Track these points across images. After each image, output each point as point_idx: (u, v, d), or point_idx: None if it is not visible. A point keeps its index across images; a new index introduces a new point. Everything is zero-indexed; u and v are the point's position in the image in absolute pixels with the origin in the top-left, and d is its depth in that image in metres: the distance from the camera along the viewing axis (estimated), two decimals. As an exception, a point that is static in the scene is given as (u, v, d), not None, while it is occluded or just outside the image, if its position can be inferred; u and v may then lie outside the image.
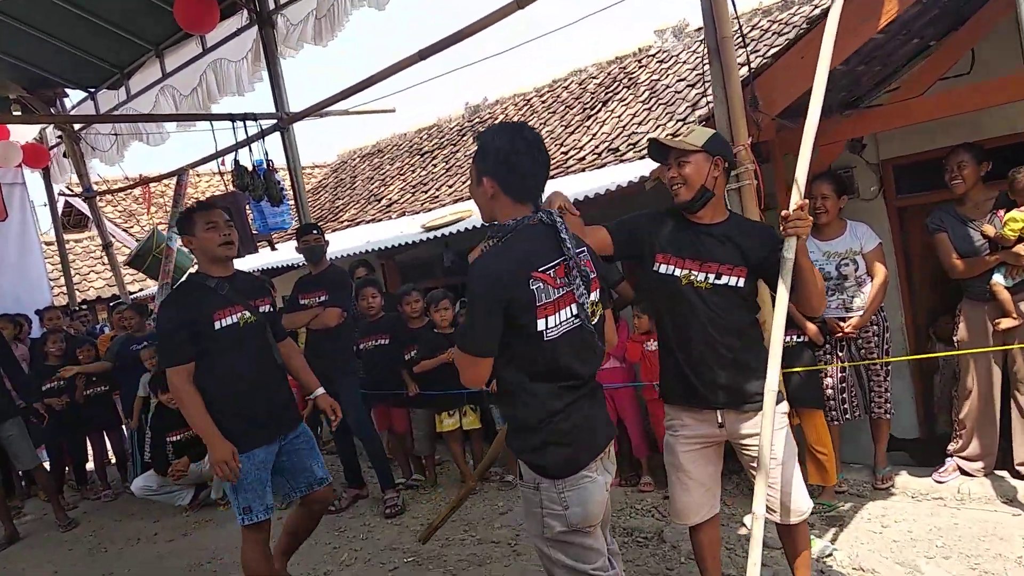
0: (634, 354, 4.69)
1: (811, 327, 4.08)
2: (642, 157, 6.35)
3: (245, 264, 7.94)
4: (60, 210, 10.49)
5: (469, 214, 6.59)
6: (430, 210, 8.57)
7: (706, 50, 3.99)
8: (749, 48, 3.82)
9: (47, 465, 6.49)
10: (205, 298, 3.25)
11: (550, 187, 2.33)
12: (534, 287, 2.07)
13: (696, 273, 2.61)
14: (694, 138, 2.61)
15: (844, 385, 4.26)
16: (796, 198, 2.54)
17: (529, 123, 9.50)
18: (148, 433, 5.90)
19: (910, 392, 5.41)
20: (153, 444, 5.74)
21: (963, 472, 4.03)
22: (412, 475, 5.62)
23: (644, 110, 7.65)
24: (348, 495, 5.26)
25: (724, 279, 2.59)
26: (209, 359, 3.20)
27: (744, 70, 4.19)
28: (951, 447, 4.12)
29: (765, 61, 4.40)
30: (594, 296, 2.22)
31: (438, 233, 6.33)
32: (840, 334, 4.16)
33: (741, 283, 2.59)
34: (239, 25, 6.07)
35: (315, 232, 5.13)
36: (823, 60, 2.65)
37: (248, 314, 3.30)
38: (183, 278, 3.47)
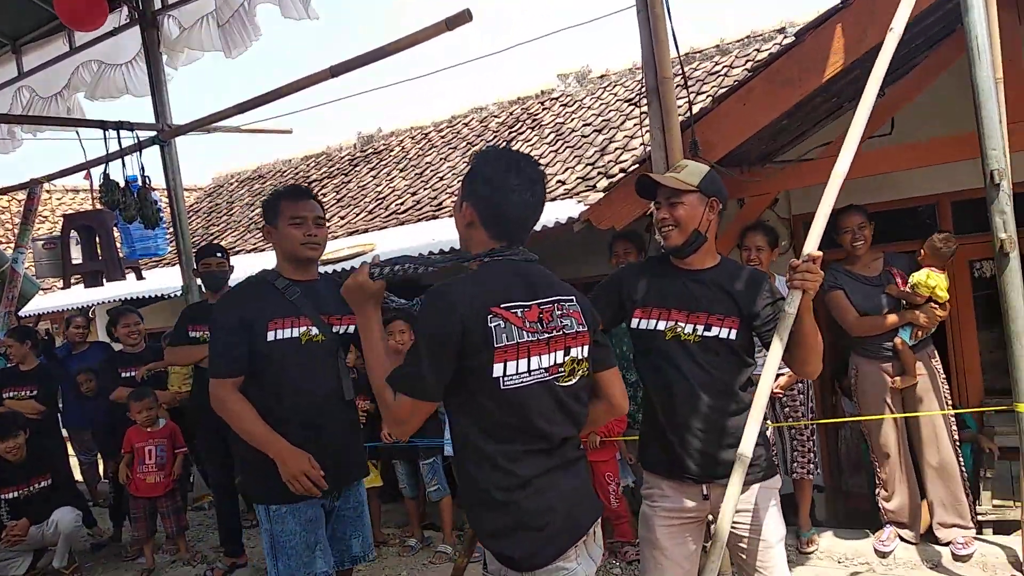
0: None
1: None
2: (554, 199, 6.16)
3: (107, 293, 7.05)
4: None
5: (371, 247, 6.09)
6: (320, 242, 8.02)
7: (645, 90, 3.83)
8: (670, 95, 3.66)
9: None
10: (267, 299, 2.67)
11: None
12: (492, 324, 1.79)
13: (683, 325, 2.33)
14: (687, 175, 2.35)
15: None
16: (810, 247, 2.32)
17: (427, 156, 9.28)
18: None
19: (816, 447, 5.41)
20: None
21: (901, 539, 3.96)
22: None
23: (550, 151, 7.52)
24: (224, 564, 4.58)
25: (715, 330, 2.30)
26: (256, 376, 2.62)
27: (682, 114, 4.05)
28: (885, 515, 4.04)
29: (705, 105, 4.29)
30: (576, 352, 1.92)
31: (338, 267, 5.81)
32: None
33: (733, 335, 2.31)
34: (116, 23, 5.38)
35: (219, 255, 4.49)
36: (869, 93, 2.48)
37: (315, 331, 2.70)
38: (256, 272, 2.83)
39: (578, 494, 1.92)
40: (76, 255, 5.74)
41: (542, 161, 7.30)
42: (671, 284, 2.39)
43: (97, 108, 5.81)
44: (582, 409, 1.96)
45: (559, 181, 6.53)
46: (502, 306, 1.81)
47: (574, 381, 1.91)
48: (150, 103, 5.36)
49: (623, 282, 2.48)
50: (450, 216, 7.18)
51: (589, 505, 1.96)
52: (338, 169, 10.60)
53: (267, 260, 7.58)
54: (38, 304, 8.25)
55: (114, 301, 7.08)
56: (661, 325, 2.35)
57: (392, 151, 10.17)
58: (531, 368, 1.82)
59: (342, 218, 8.77)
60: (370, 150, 10.63)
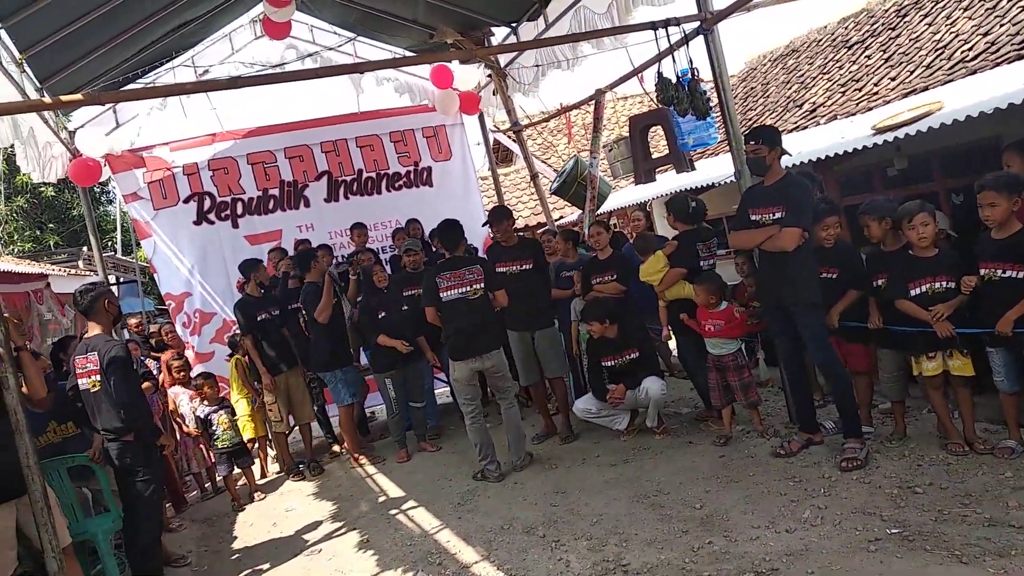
0: None
1: None
2: None
3: (662, 186, 7.62)
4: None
5: (939, 106, 5.30)
6: (870, 109, 7.28)
7: None
8: None
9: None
10: None
11: None
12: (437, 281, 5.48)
13: None
14: None
15: None
16: None
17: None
18: (584, 357, 6.01)
19: None
20: (590, 368, 5.82)
21: None
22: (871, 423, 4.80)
23: None
24: (800, 439, 4.68)
25: None
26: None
27: None
28: None
29: None
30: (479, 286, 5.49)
31: (899, 133, 5.21)
32: None
33: None
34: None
35: (752, 142, 4.48)
36: None
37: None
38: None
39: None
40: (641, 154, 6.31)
41: None
42: None
43: (641, 11, 6.13)
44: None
45: None
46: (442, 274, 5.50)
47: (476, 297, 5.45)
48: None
49: None
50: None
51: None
52: (883, 24, 9.42)
53: (817, 137, 7.22)
54: (611, 203, 9.32)
55: (668, 193, 7.63)
56: None
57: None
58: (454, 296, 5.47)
59: (892, 79, 7.79)
60: (921, -6, 9.14)
